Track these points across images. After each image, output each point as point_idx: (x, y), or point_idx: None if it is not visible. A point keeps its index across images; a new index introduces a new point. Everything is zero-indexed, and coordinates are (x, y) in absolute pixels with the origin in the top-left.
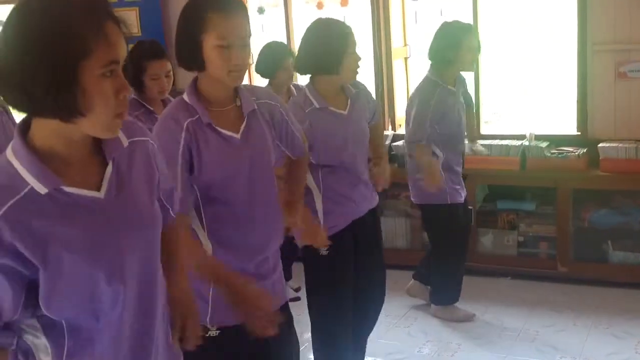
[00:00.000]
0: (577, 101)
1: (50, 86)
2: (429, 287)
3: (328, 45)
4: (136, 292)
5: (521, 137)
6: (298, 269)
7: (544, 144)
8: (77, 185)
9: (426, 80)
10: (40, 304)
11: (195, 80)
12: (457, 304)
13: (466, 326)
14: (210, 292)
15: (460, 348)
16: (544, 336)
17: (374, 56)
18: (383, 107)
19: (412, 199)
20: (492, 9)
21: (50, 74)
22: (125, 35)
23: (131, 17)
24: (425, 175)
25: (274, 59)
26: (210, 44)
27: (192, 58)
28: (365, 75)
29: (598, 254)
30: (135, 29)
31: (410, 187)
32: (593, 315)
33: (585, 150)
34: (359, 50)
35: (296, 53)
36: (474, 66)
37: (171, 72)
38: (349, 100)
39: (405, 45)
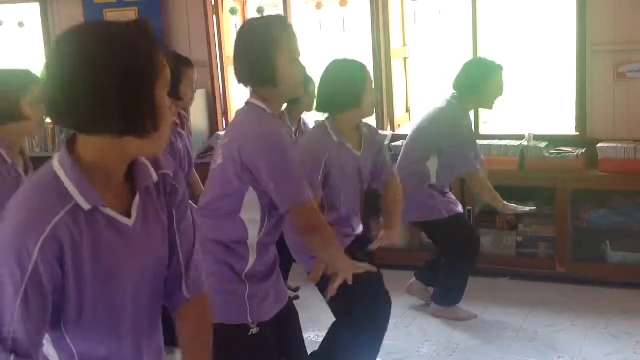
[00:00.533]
0: (576, 101)
1: (137, 107)
2: (429, 289)
3: (349, 82)
4: (146, 313)
5: (520, 137)
6: (295, 267)
7: (543, 144)
8: (112, 208)
9: (450, 105)
10: (64, 329)
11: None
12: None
13: (465, 326)
14: (247, 291)
15: (458, 348)
16: (543, 336)
17: (373, 56)
18: (382, 107)
19: (408, 221)
20: (491, 9)
21: (133, 95)
22: None
23: (130, 17)
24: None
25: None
26: (283, 59)
27: (266, 74)
28: None
29: (597, 254)
30: None
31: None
32: (591, 315)
33: (584, 151)
34: (360, 56)
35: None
36: (493, 105)
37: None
38: (363, 141)
39: (405, 45)
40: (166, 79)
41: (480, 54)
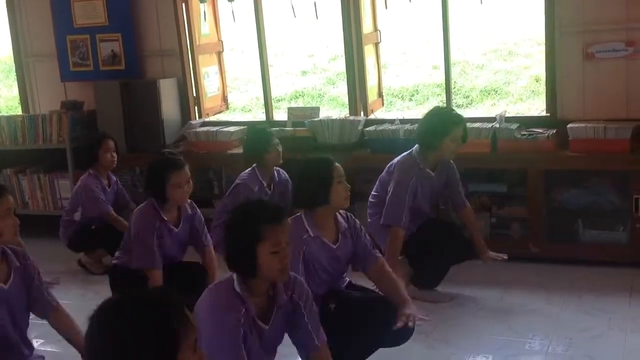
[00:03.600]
0: (546, 82)
1: None
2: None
3: (315, 181)
4: None
5: (491, 119)
6: None
7: (514, 126)
8: None
9: (410, 157)
10: None
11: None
12: None
13: (441, 307)
14: None
15: (435, 329)
16: (518, 315)
17: (345, 42)
18: (354, 93)
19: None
20: None
21: None
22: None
23: (98, 6)
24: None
25: (262, 142)
26: (266, 251)
27: (246, 266)
28: (336, 61)
29: (569, 234)
30: (101, 18)
31: (377, 238)
32: (565, 293)
33: (554, 131)
34: (331, 42)
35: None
36: (454, 155)
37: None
38: (340, 234)
39: (376, 30)
40: (191, 342)
41: (451, 39)
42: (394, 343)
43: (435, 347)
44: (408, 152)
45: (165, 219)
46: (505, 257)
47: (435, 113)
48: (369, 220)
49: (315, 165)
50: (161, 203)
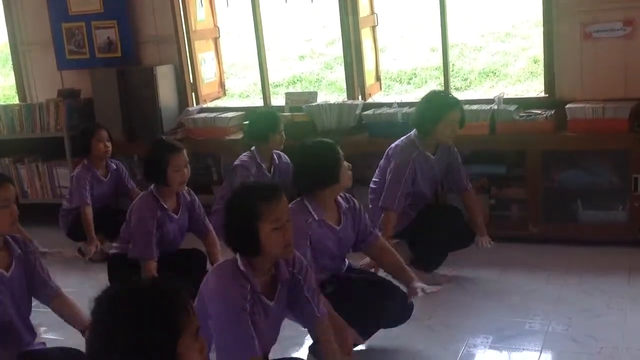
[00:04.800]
0: (544, 63)
1: None
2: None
3: (324, 163)
4: None
5: (490, 101)
6: None
7: (512, 108)
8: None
9: (408, 141)
10: None
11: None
12: None
13: (442, 288)
14: None
15: (435, 311)
16: (517, 295)
17: (342, 25)
18: (352, 77)
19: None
20: None
21: (157, 358)
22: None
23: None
24: None
25: (271, 122)
26: (267, 229)
27: (249, 245)
28: (334, 45)
29: (568, 214)
30: (96, 5)
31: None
32: (565, 273)
33: (553, 112)
34: (328, 26)
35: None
36: (451, 140)
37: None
38: (342, 215)
39: (373, 13)
40: (192, 330)
41: (448, 21)
42: (393, 324)
43: (435, 329)
44: (407, 135)
45: (166, 207)
46: (490, 245)
47: (429, 98)
48: (370, 206)
49: (319, 147)
50: (161, 191)
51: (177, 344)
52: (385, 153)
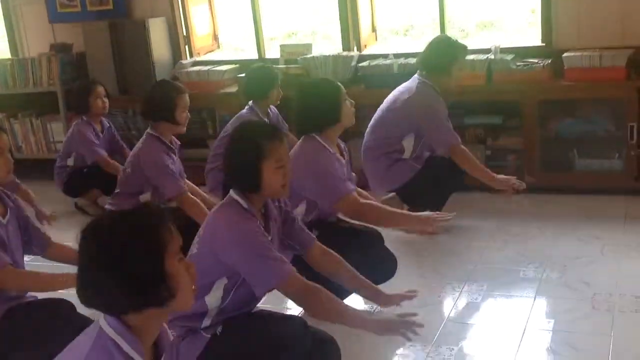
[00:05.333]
0: (541, 11)
1: (148, 283)
2: (405, 206)
3: (326, 101)
4: None
5: (487, 51)
6: None
7: (509, 57)
8: None
9: (425, 85)
10: None
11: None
12: None
13: (436, 238)
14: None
15: (431, 259)
16: (513, 244)
17: None
18: (347, 27)
19: (383, 191)
20: None
21: (146, 274)
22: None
23: None
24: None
25: (269, 78)
26: (270, 168)
27: (250, 182)
28: None
29: (564, 163)
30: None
31: (373, 182)
32: (560, 222)
33: (550, 61)
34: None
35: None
36: (457, 85)
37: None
38: (344, 152)
39: None
40: (176, 248)
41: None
42: (379, 279)
43: (430, 277)
44: (416, 82)
45: (171, 146)
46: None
47: (441, 39)
48: (369, 164)
49: (321, 86)
50: (161, 132)
51: (164, 261)
52: (392, 107)
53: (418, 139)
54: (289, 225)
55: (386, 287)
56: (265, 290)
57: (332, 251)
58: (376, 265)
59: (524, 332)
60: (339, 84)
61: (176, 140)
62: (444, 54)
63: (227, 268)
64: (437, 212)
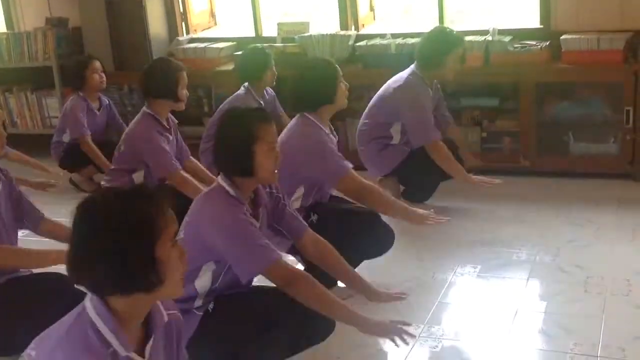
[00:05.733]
0: None
1: (137, 268)
2: (401, 187)
3: (322, 80)
4: None
5: (485, 32)
6: None
7: (507, 39)
8: (130, 349)
9: (415, 76)
10: None
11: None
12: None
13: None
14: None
15: (425, 242)
16: (506, 227)
17: None
18: (345, 6)
19: (377, 174)
20: None
21: (135, 257)
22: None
23: None
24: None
25: (262, 60)
26: (262, 150)
27: (243, 166)
28: None
29: (560, 146)
30: None
31: (366, 165)
32: (555, 205)
33: (548, 43)
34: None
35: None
36: (453, 76)
37: None
38: (333, 132)
39: None
40: (171, 234)
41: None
42: (375, 254)
43: (424, 258)
44: (408, 73)
45: (166, 126)
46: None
47: (437, 32)
48: (361, 147)
49: (318, 65)
50: (157, 111)
51: (155, 247)
52: (383, 92)
53: (404, 127)
54: (280, 211)
55: (381, 271)
56: (249, 277)
57: (324, 240)
58: (375, 239)
59: (516, 314)
60: (336, 65)
61: (173, 118)
62: (437, 48)
63: (213, 253)
64: (432, 215)
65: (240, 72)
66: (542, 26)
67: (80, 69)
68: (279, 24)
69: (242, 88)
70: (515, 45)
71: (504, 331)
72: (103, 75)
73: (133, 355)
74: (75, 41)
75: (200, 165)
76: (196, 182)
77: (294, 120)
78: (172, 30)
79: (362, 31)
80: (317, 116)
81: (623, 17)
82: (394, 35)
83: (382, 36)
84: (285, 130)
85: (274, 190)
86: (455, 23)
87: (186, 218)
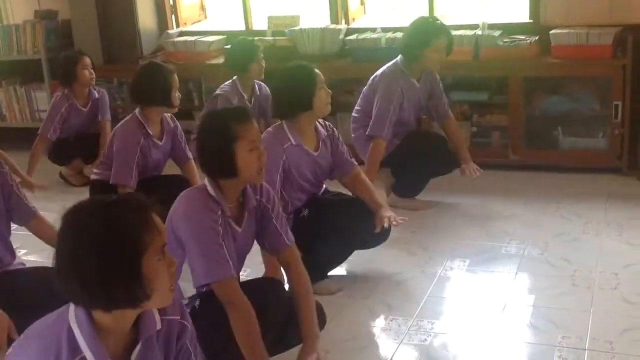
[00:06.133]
0: None
1: (122, 285)
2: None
3: (298, 87)
4: None
5: (474, 26)
6: None
7: (497, 33)
8: (113, 356)
9: (395, 67)
10: None
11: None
12: None
13: (421, 214)
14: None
15: (414, 235)
16: (495, 222)
17: None
18: (336, 0)
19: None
20: None
21: (120, 275)
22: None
23: None
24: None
25: (248, 52)
26: (243, 150)
27: (225, 167)
28: None
29: (549, 141)
30: None
31: (361, 154)
32: (543, 199)
33: (537, 38)
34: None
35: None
36: (439, 67)
37: None
38: (320, 142)
39: None
40: (157, 247)
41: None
42: (369, 245)
43: (413, 252)
44: (392, 62)
45: (151, 133)
46: (478, 173)
47: (417, 24)
48: (353, 135)
49: (296, 71)
50: (147, 116)
51: (141, 262)
52: (370, 80)
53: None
54: (266, 222)
55: (371, 264)
56: (198, 284)
57: (302, 268)
58: (369, 234)
59: (504, 308)
60: (317, 71)
61: (169, 122)
62: (415, 40)
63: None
64: (393, 217)
65: (227, 64)
66: (531, 21)
67: (71, 65)
68: (269, 17)
69: (229, 81)
70: (505, 40)
71: (493, 325)
72: (93, 71)
73: None
74: (65, 34)
75: (196, 172)
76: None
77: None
78: (162, 23)
79: (353, 25)
80: (294, 126)
81: (612, 12)
82: (385, 29)
83: (373, 30)
84: None
85: (263, 199)
86: (446, 17)
87: (169, 213)
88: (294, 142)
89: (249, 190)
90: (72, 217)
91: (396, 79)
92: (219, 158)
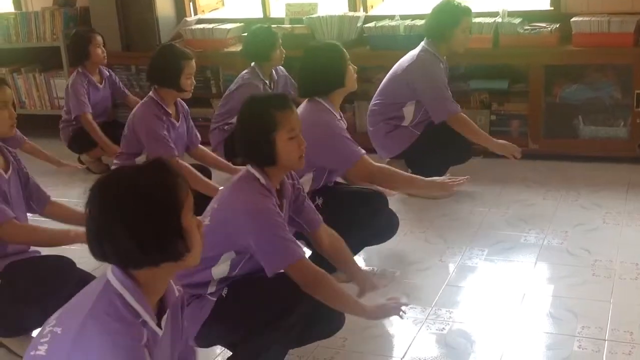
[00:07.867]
0: None
1: (168, 238)
2: (409, 170)
3: (332, 64)
4: None
5: (494, 14)
6: None
7: (517, 20)
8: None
9: (426, 52)
10: None
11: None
12: None
13: (439, 203)
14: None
15: (432, 224)
16: (515, 210)
17: None
18: None
19: (385, 156)
20: None
21: (166, 229)
22: None
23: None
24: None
25: (269, 40)
26: (283, 138)
27: (265, 155)
28: None
29: (569, 130)
30: None
31: (378, 147)
32: (563, 189)
33: (558, 26)
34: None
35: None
36: (464, 48)
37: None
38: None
39: None
40: (190, 204)
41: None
42: (378, 240)
43: (431, 241)
44: (419, 49)
45: (169, 112)
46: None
47: (443, 5)
48: (371, 128)
49: (327, 49)
50: (162, 97)
51: (181, 217)
52: (394, 73)
53: (419, 106)
54: (300, 203)
55: (389, 254)
56: (275, 271)
57: (336, 234)
58: (381, 226)
59: (523, 297)
60: (343, 48)
61: (183, 105)
62: (444, 20)
63: (237, 244)
64: (450, 177)
65: (248, 52)
66: (552, 8)
67: (84, 43)
68: (287, 5)
69: (248, 68)
70: (525, 27)
71: (512, 314)
72: (104, 49)
73: (155, 327)
74: (84, 21)
75: (209, 152)
76: (192, 169)
77: (303, 105)
78: (180, 11)
79: (371, 12)
80: (328, 101)
81: (634, 0)
82: (403, 17)
83: (391, 17)
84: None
85: (295, 182)
86: (464, 3)
87: (213, 204)
88: (337, 116)
89: (284, 177)
90: (108, 181)
91: (435, 60)
92: (259, 146)
